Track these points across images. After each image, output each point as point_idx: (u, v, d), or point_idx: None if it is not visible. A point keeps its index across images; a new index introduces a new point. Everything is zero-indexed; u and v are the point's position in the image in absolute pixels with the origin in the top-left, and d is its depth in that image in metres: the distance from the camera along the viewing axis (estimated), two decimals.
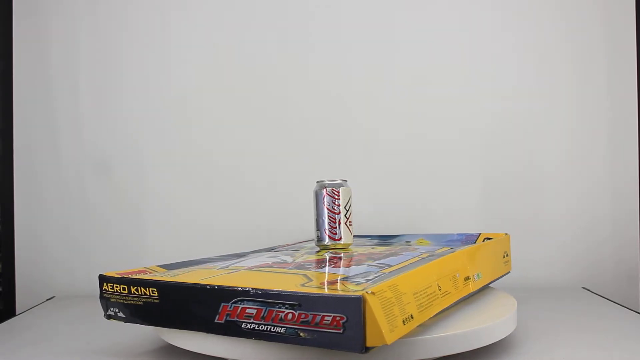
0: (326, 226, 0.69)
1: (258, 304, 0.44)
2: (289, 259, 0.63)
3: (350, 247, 0.72)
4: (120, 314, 0.52)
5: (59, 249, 0.96)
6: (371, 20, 0.96)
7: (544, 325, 0.66)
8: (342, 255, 0.65)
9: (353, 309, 0.40)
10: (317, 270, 0.55)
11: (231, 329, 0.45)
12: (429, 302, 0.48)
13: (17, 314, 0.92)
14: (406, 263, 0.57)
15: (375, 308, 0.40)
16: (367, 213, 0.92)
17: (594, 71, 0.94)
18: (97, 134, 0.96)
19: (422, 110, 0.95)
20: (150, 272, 0.56)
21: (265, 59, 0.96)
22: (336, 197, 0.70)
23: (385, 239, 0.83)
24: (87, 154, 0.96)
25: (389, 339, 0.40)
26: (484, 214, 0.94)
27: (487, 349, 0.56)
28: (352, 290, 0.43)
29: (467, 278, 0.59)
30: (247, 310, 0.44)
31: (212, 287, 0.46)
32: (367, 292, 0.40)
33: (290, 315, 0.42)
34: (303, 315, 0.42)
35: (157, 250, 0.95)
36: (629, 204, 0.93)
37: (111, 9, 0.96)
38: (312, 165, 0.95)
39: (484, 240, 0.77)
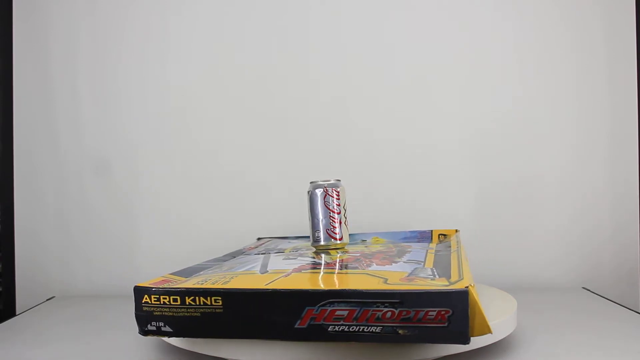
0: (326, 226, 0.69)
1: (352, 304, 0.43)
2: (318, 260, 0.61)
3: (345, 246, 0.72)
4: (167, 328, 0.47)
5: (59, 249, 0.96)
6: (371, 21, 0.95)
7: (544, 325, 0.66)
8: (359, 255, 0.64)
9: (460, 302, 0.41)
10: (369, 269, 0.53)
11: (314, 334, 0.44)
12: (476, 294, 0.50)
13: (17, 314, 0.92)
14: (431, 259, 0.57)
15: (478, 300, 0.41)
16: (363, 213, 0.92)
17: (595, 72, 0.93)
18: (97, 134, 0.96)
19: (422, 112, 0.95)
20: (174, 281, 0.51)
21: (265, 59, 0.96)
22: (335, 196, 0.69)
23: None
24: (87, 154, 0.96)
25: (491, 327, 0.42)
26: (485, 215, 0.94)
27: (487, 349, 0.56)
28: (441, 285, 0.43)
29: None
30: (337, 312, 0.43)
31: (302, 291, 0.44)
32: (471, 285, 0.41)
33: (389, 314, 0.42)
34: (404, 313, 0.42)
35: (158, 251, 0.95)
36: (629, 206, 0.93)
37: (111, 9, 0.96)
38: (310, 166, 0.95)
39: (438, 236, 0.79)
